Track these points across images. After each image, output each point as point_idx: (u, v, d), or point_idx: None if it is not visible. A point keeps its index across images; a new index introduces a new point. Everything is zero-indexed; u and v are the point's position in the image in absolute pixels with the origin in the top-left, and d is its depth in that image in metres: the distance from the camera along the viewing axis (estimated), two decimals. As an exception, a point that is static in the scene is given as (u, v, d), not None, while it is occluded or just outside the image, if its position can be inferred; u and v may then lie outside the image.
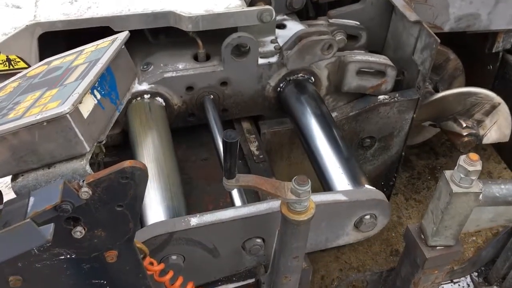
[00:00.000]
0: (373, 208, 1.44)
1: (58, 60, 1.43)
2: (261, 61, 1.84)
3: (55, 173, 1.08)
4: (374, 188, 1.50)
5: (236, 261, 1.44)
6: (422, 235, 1.55)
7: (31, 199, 0.97)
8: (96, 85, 1.21)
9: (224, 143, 1.06)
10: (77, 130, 1.06)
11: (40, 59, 1.66)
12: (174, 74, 1.78)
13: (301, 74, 1.90)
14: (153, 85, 1.77)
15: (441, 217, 1.43)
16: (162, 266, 1.26)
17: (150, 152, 1.60)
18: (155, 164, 1.56)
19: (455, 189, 1.35)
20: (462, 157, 1.34)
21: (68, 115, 1.03)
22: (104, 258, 1.12)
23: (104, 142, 1.27)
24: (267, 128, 2.01)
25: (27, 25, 1.55)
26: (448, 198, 1.37)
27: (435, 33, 1.99)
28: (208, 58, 1.85)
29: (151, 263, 1.24)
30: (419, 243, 1.55)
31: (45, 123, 1.03)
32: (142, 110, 1.76)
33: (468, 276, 2.02)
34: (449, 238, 1.51)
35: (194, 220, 1.30)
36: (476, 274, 2.00)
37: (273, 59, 1.86)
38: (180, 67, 1.80)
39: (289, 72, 1.88)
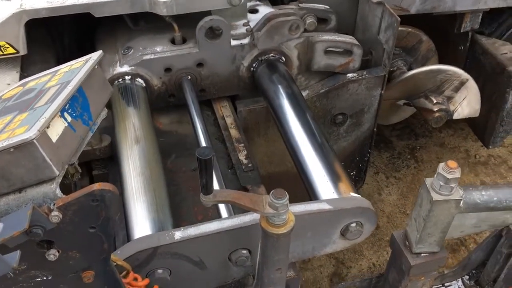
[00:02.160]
0: (359, 216, 1.42)
1: (33, 81, 1.44)
2: (233, 42, 1.98)
3: (25, 198, 1.09)
4: (359, 195, 1.51)
5: (223, 272, 1.44)
6: (406, 242, 1.56)
7: (0, 225, 0.97)
8: (66, 107, 1.21)
9: (199, 160, 1.03)
10: (45, 155, 1.06)
11: (28, 46, 1.81)
12: (152, 56, 1.92)
13: (272, 54, 2.04)
14: (133, 67, 1.91)
15: (424, 224, 1.44)
16: (146, 281, 1.26)
17: (137, 165, 1.60)
18: (142, 178, 1.56)
19: (435, 197, 1.36)
20: (441, 165, 1.35)
21: (35, 141, 1.04)
22: (81, 279, 1.11)
23: (76, 163, 1.27)
24: (243, 106, 2.15)
25: (14, 13, 1.69)
26: (429, 206, 1.38)
27: (402, 15, 2.12)
28: (184, 41, 1.98)
29: (136, 279, 1.23)
30: (404, 250, 1.56)
31: (12, 149, 1.03)
32: (129, 121, 1.76)
33: (460, 280, 1.99)
34: (433, 245, 1.52)
35: (178, 234, 1.29)
36: (467, 277, 1.97)
37: (245, 41, 1.99)
38: (158, 49, 1.94)
39: (260, 52, 2.02)
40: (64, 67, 1.42)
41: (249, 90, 2.14)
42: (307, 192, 1.63)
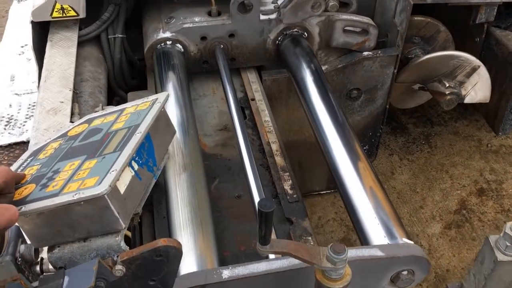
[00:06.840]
0: (411, 264, 1.36)
1: (99, 119, 1.42)
2: (262, 17, 2.25)
3: (90, 247, 1.09)
4: (412, 242, 1.45)
5: None
6: None
7: (66, 279, 0.96)
8: (134, 155, 1.17)
9: (260, 212, 1.01)
10: (113, 209, 1.06)
11: (87, 10, 2.13)
12: (191, 25, 2.21)
13: (296, 30, 2.30)
14: (174, 34, 2.20)
15: (484, 282, 1.41)
16: None
17: (184, 195, 1.58)
18: (189, 208, 1.55)
19: (500, 257, 1.32)
20: (508, 224, 1.32)
21: (105, 196, 1.03)
22: None
23: (140, 213, 1.26)
24: (268, 76, 2.41)
25: (78, -20, 2.02)
26: (492, 265, 1.35)
27: (419, 4, 2.33)
28: (219, 14, 2.27)
29: None
30: None
31: (82, 202, 1.04)
32: (178, 154, 1.69)
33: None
34: None
35: (226, 273, 1.26)
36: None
37: (273, 16, 2.26)
38: (196, 20, 2.23)
39: (285, 27, 2.28)
40: (130, 107, 1.41)
41: (274, 62, 2.40)
42: (356, 232, 1.57)
